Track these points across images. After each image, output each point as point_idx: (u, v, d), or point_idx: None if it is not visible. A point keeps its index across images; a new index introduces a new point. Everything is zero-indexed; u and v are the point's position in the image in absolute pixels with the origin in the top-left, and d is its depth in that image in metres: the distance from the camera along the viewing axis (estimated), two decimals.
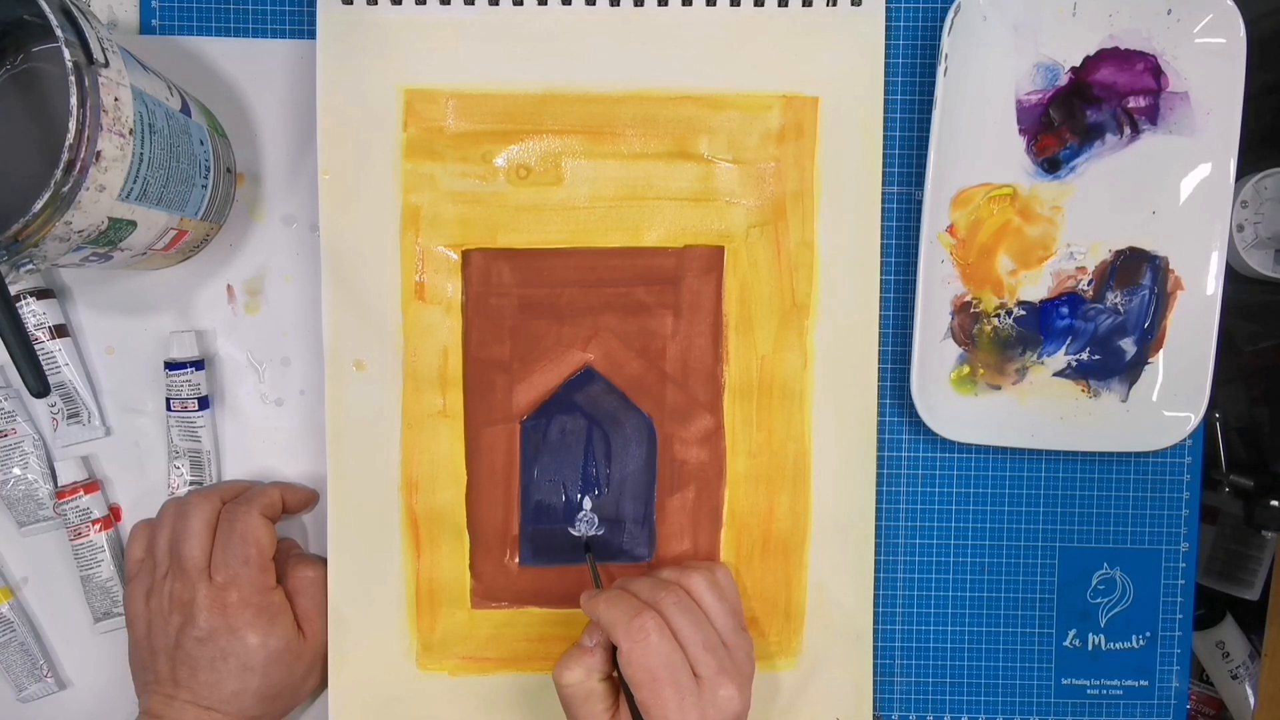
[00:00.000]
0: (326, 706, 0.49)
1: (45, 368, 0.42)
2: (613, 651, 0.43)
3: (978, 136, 0.48)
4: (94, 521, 0.49)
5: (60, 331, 0.49)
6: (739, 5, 0.48)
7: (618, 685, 0.43)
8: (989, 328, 0.49)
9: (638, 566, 0.50)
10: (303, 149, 0.50)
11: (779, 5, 0.48)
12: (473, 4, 0.48)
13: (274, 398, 0.51)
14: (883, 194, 0.49)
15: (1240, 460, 0.69)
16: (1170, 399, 0.49)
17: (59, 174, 0.34)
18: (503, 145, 0.48)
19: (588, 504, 0.50)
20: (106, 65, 0.36)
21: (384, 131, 0.48)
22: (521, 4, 0.48)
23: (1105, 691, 0.52)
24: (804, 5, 0.48)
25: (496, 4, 0.48)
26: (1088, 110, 0.48)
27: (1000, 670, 0.52)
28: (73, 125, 0.34)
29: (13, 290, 0.47)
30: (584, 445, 0.50)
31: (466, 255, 0.49)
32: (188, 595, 0.45)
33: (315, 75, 0.47)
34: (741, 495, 0.50)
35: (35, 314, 0.48)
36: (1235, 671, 0.75)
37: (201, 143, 0.44)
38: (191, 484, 0.50)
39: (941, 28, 0.46)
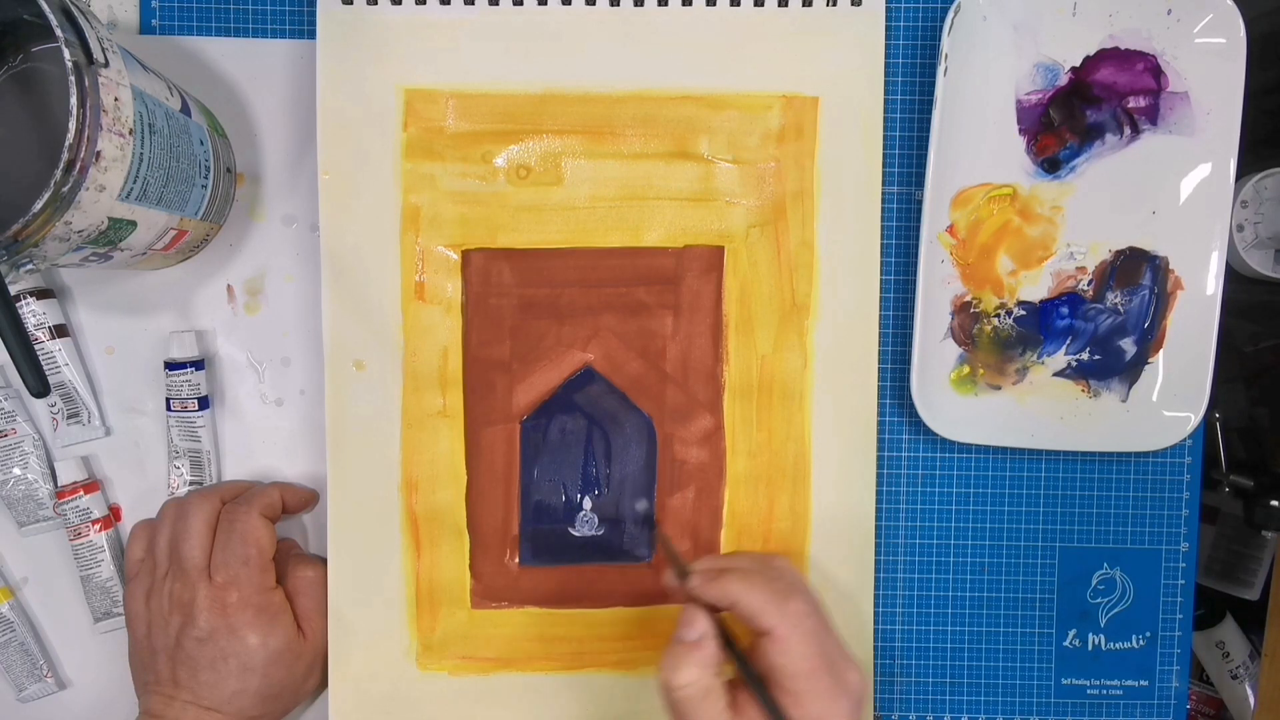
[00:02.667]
0: (326, 706, 0.49)
1: (45, 368, 0.42)
2: (722, 643, 0.40)
3: (978, 136, 0.48)
4: (94, 521, 0.49)
5: (60, 331, 0.49)
6: (739, 5, 0.48)
7: (729, 680, 0.40)
8: (989, 328, 0.49)
9: (638, 567, 0.50)
10: (303, 149, 0.50)
11: (779, 5, 0.48)
12: (473, 4, 0.48)
13: (274, 398, 0.51)
14: (883, 194, 0.49)
15: (1240, 460, 0.69)
16: (1170, 399, 0.49)
17: (59, 174, 0.34)
18: (503, 145, 0.48)
19: (588, 504, 0.50)
20: (106, 65, 0.36)
21: (384, 131, 0.48)
22: (521, 4, 0.48)
23: (1105, 691, 0.52)
24: (804, 5, 0.48)
25: (496, 4, 0.48)
26: (1088, 110, 0.48)
27: (1000, 670, 0.52)
28: (73, 125, 0.34)
29: (13, 290, 0.47)
30: (584, 445, 0.50)
31: (466, 255, 0.49)
32: (188, 595, 0.45)
33: (315, 75, 0.47)
34: (741, 495, 0.50)
35: (35, 314, 0.48)
36: (1235, 671, 0.75)
37: (201, 143, 0.44)
38: (191, 484, 0.50)
39: (941, 28, 0.46)
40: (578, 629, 0.50)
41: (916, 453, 0.51)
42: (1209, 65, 0.47)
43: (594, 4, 0.48)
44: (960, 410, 0.49)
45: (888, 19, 0.48)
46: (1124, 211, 0.49)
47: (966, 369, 0.50)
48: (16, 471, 0.50)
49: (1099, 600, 0.52)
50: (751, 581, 0.39)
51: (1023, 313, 0.49)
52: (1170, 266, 0.49)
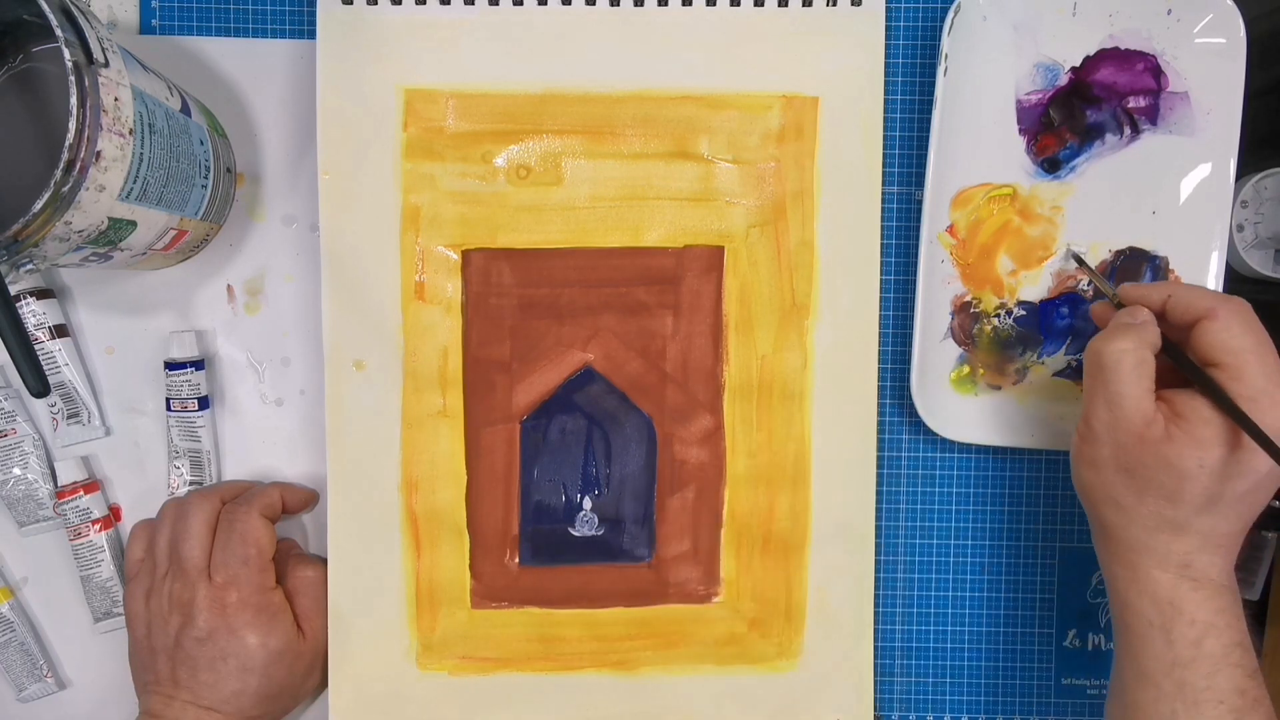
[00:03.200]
0: (326, 706, 0.49)
1: (45, 368, 0.42)
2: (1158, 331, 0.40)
3: (978, 136, 0.48)
4: (94, 521, 0.49)
5: (60, 331, 0.49)
6: (739, 5, 0.48)
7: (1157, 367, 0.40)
8: (989, 328, 0.49)
9: (638, 567, 0.50)
10: (303, 149, 0.50)
11: (779, 5, 0.48)
12: (473, 4, 0.48)
13: (274, 398, 0.51)
14: (883, 194, 0.49)
15: None
16: None
17: (59, 174, 0.34)
18: (503, 145, 0.48)
19: (588, 504, 0.50)
20: (106, 65, 0.36)
21: (384, 131, 0.48)
22: (521, 4, 0.48)
23: (1105, 691, 0.52)
24: (804, 5, 0.48)
25: (496, 4, 0.48)
26: (1088, 110, 0.48)
27: (1000, 670, 0.52)
28: (73, 125, 0.34)
29: (13, 290, 0.47)
30: (584, 445, 0.50)
31: (466, 255, 0.49)
32: (187, 595, 0.45)
33: (315, 75, 0.47)
34: (741, 495, 0.50)
35: (35, 314, 0.48)
36: None
37: (201, 143, 0.44)
38: (191, 484, 0.50)
39: (941, 28, 0.46)
40: (578, 629, 0.50)
41: (916, 453, 0.51)
42: (1209, 65, 0.47)
43: (594, 4, 0.48)
44: (960, 410, 0.49)
45: (888, 19, 0.48)
46: (1124, 211, 0.49)
47: (966, 369, 0.50)
48: (16, 471, 0.50)
49: (1099, 600, 0.52)
50: (1179, 284, 0.40)
51: (1023, 313, 0.49)
52: (1170, 266, 0.49)
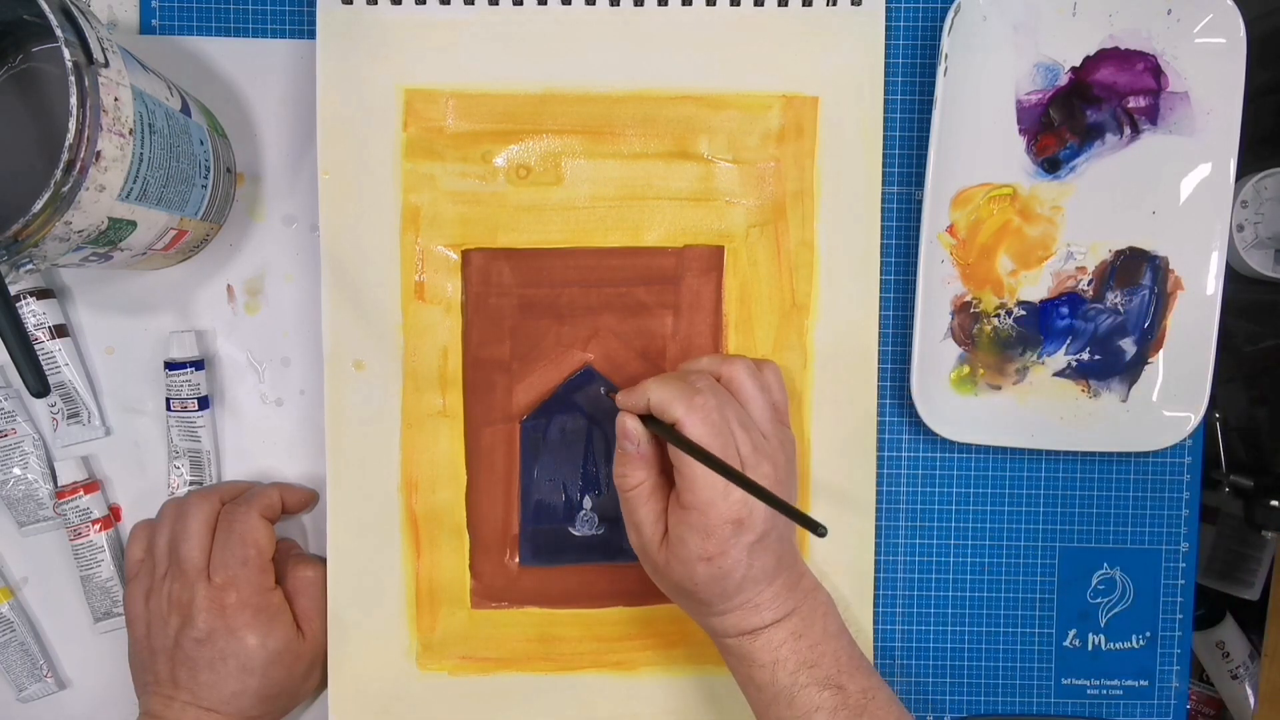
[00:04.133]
0: (326, 706, 0.49)
1: (45, 368, 0.42)
2: (657, 447, 0.43)
3: (978, 136, 0.48)
4: (94, 521, 0.49)
5: (60, 331, 0.49)
6: (739, 5, 0.48)
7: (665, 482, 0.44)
8: (989, 328, 0.49)
9: (638, 567, 0.50)
10: (303, 149, 0.50)
11: (779, 5, 0.48)
12: (473, 4, 0.48)
13: (274, 398, 0.51)
14: (883, 194, 0.49)
15: (1240, 460, 0.69)
16: (1170, 399, 0.49)
17: (59, 174, 0.34)
18: (503, 145, 0.48)
19: (588, 503, 0.50)
20: (106, 65, 0.36)
21: (384, 131, 0.48)
22: (521, 4, 0.48)
23: (1105, 691, 0.52)
24: (804, 5, 0.48)
25: (496, 4, 0.48)
26: (1088, 110, 0.48)
27: (1000, 670, 0.52)
28: (73, 125, 0.34)
29: (13, 290, 0.47)
30: (584, 445, 0.50)
31: (466, 255, 0.49)
32: (186, 596, 0.45)
33: (315, 75, 0.47)
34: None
35: (35, 314, 0.48)
36: (1235, 671, 0.75)
37: (201, 143, 0.44)
38: (191, 484, 0.50)
39: (941, 28, 0.46)
40: (578, 629, 0.50)
41: (916, 453, 0.51)
42: (1209, 65, 0.47)
43: (594, 4, 0.48)
44: (960, 410, 0.49)
45: (888, 19, 0.48)
46: (1124, 211, 0.49)
47: (966, 369, 0.50)
48: (16, 471, 0.50)
49: (1099, 600, 0.52)
50: (663, 381, 0.42)
51: (1023, 313, 0.49)
52: (1170, 266, 0.49)
